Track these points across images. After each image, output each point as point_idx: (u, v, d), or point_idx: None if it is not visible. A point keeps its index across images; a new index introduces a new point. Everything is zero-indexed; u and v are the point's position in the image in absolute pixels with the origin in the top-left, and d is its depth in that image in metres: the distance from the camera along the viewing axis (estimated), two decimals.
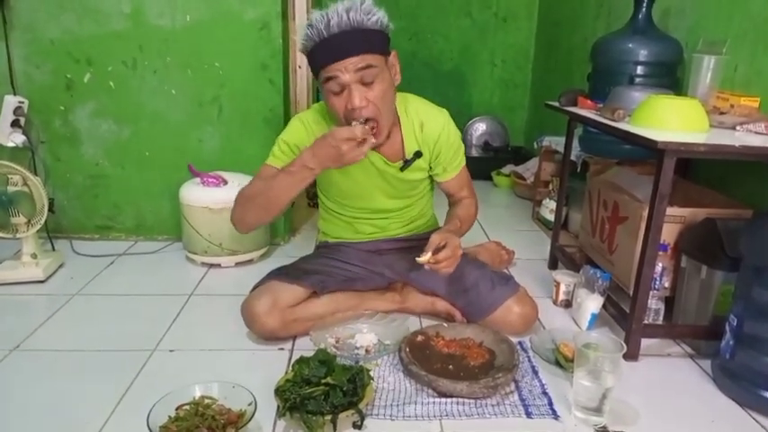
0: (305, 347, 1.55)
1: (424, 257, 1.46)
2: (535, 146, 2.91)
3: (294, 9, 2.67)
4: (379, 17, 1.39)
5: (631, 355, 1.53)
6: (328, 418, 1.18)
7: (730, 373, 1.39)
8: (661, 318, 1.70)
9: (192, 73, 2.22)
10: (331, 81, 1.40)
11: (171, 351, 1.55)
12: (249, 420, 1.16)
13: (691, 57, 1.77)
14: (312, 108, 1.67)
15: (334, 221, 1.78)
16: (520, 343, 1.58)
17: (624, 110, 1.63)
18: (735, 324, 1.37)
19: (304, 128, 1.59)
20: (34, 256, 1.97)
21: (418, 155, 1.61)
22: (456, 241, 1.50)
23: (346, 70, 1.38)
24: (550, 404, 1.34)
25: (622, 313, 1.61)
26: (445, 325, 1.60)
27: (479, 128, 3.93)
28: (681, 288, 1.64)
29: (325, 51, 1.38)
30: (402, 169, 1.61)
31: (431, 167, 1.67)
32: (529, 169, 3.31)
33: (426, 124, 1.60)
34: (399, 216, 1.76)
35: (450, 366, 1.42)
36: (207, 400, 1.21)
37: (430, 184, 1.78)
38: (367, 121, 1.42)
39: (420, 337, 1.52)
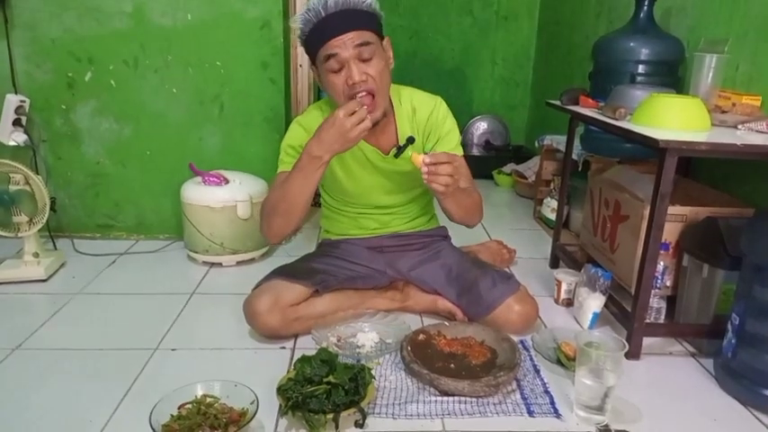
0: (307, 346, 1.55)
1: (421, 157, 1.38)
2: (536, 145, 2.91)
3: (295, 7, 2.67)
4: (371, 0, 1.46)
5: (633, 353, 1.53)
6: (330, 416, 1.18)
7: (732, 372, 1.39)
8: (663, 316, 1.70)
9: (193, 72, 2.22)
10: (331, 60, 1.44)
11: (173, 350, 1.55)
12: (251, 419, 1.16)
13: (692, 55, 1.77)
14: (309, 109, 1.70)
15: (337, 218, 1.79)
16: (521, 342, 1.58)
17: (626, 108, 1.63)
18: (736, 323, 1.37)
19: (303, 130, 1.61)
20: (36, 255, 1.97)
21: (411, 140, 1.61)
22: (459, 161, 1.47)
23: (345, 46, 1.42)
24: (552, 403, 1.34)
25: (624, 312, 1.61)
26: (446, 324, 1.60)
27: (480, 127, 3.93)
28: (682, 287, 1.64)
29: (324, 29, 1.43)
30: (396, 156, 1.61)
31: (425, 152, 1.67)
32: (530, 168, 3.30)
33: (419, 108, 1.64)
34: (402, 212, 1.77)
35: (452, 365, 1.42)
36: (209, 399, 1.22)
37: None
38: (364, 95, 1.46)
39: (421, 336, 1.52)
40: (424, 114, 1.64)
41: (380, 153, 1.64)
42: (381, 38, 1.50)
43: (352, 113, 1.39)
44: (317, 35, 1.44)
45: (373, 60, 1.46)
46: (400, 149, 1.61)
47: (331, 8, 1.41)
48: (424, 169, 1.38)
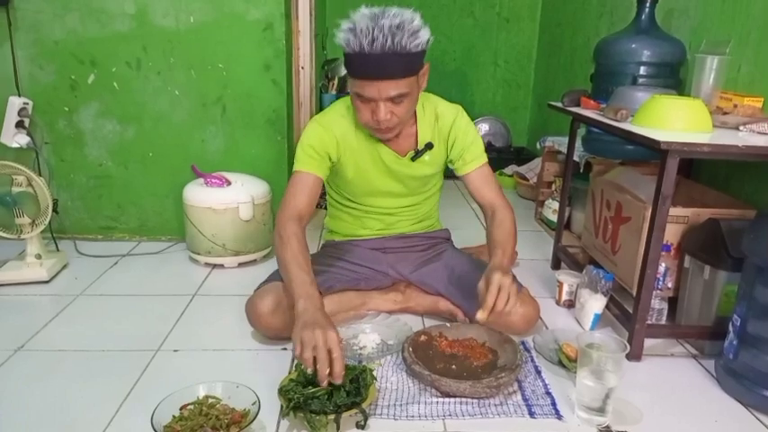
0: None
1: (483, 315, 1.33)
2: (538, 146, 2.91)
3: (297, 9, 2.68)
4: (422, 40, 1.37)
5: (634, 355, 1.53)
6: (332, 417, 1.18)
7: (733, 373, 1.39)
8: (664, 318, 1.70)
9: (196, 74, 2.22)
10: (362, 95, 1.42)
11: (175, 351, 1.56)
12: (253, 420, 1.16)
13: (694, 57, 1.77)
14: (331, 107, 1.67)
15: (342, 218, 1.79)
16: (523, 343, 1.58)
17: (627, 110, 1.63)
18: (738, 324, 1.37)
19: (323, 129, 1.59)
20: (38, 256, 1.97)
21: (429, 146, 1.64)
22: (499, 277, 1.36)
23: (378, 93, 1.40)
24: (554, 404, 1.34)
25: (625, 313, 1.61)
26: (448, 325, 1.60)
27: (482, 128, 3.94)
28: (684, 288, 1.64)
29: (363, 67, 1.37)
30: (413, 159, 1.64)
31: (451, 161, 1.69)
32: (532, 170, 3.30)
33: (441, 115, 1.65)
34: (408, 213, 1.78)
35: (454, 366, 1.42)
36: (211, 400, 1.22)
37: (439, 183, 1.79)
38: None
39: (423, 337, 1.52)
40: (446, 122, 1.65)
41: (397, 155, 1.64)
42: (421, 67, 1.44)
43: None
44: (355, 65, 1.39)
45: (403, 103, 1.44)
46: (418, 153, 1.63)
47: (376, 49, 1.32)
48: (491, 318, 1.35)
